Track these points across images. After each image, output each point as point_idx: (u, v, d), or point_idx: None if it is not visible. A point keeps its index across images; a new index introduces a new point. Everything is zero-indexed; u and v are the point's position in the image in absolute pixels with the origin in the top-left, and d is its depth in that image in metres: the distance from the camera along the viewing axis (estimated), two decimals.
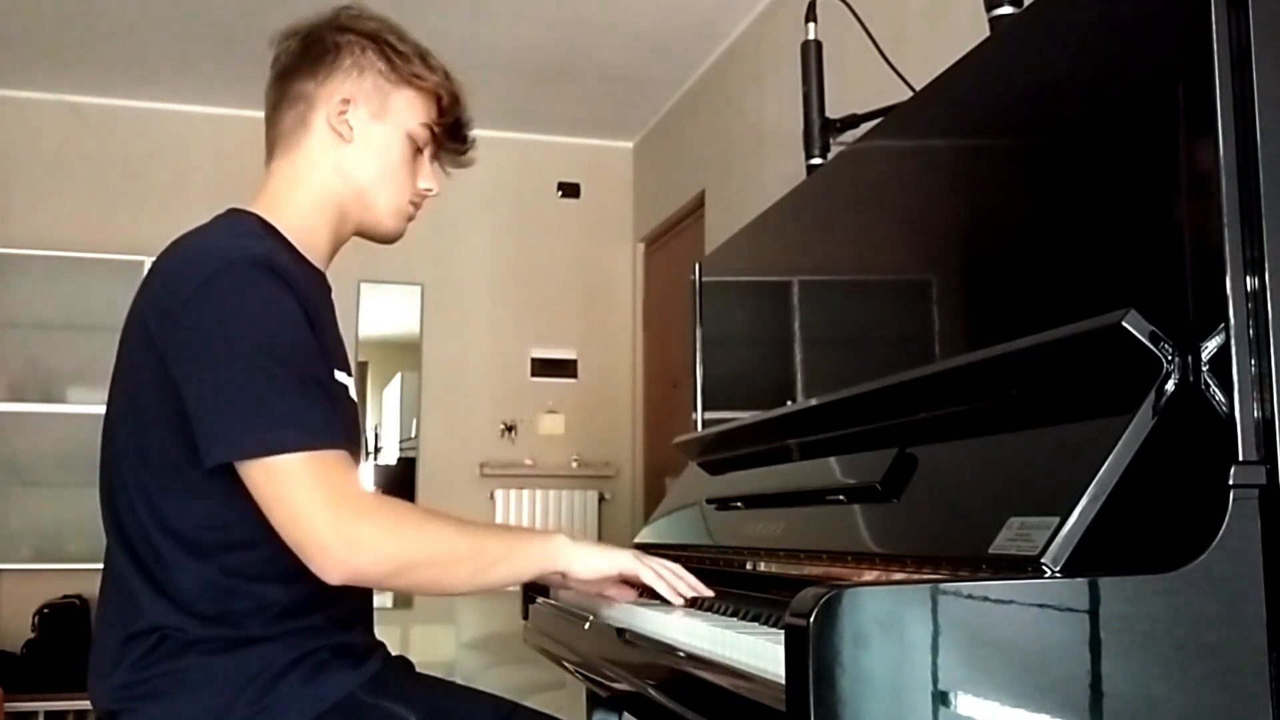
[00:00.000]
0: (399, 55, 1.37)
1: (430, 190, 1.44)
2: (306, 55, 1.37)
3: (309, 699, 1.21)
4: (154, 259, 1.29)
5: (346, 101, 1.35)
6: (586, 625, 1.56)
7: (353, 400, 1.37)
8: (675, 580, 1.37)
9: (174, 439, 1.19)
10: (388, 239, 1.44)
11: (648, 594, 1.40)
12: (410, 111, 1.38)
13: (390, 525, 1.18)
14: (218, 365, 1.16)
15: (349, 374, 1.36)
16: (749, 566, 1.48)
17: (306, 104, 1.36)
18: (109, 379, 1.30)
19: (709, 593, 1.39)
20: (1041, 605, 0.89)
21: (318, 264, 1.38)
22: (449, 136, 1.44)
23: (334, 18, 1.39)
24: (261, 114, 1.41)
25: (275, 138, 1.39)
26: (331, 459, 1.16)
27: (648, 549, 1.90)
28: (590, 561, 1.33)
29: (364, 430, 1.39)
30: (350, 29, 1.37)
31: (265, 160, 1.40)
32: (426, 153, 1.42)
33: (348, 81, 1.36)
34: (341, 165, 1.37)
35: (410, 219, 1.45)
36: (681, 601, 1.36)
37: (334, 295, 1.42)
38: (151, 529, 1.22)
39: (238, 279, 1.19)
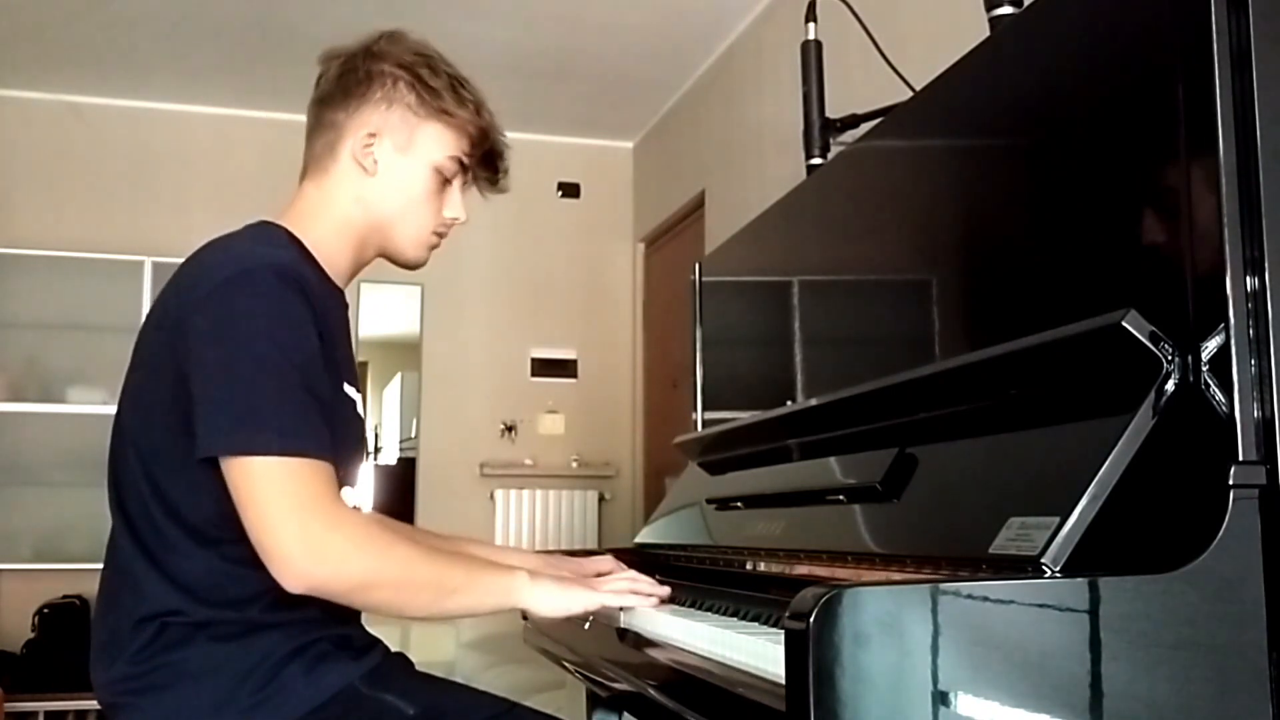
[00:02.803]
0: (429, 90, 1.38)
1: (457, 219, 1.45)
2: (341, 83, 1.39)
3: (310, 689, 1.22)
4: (180, 260, 1.32)
5: (372, 135, 1.37)
6: (586, 625, 1.56)
7: (359, 416, 1.39)
8: (637, 588, 1.40)
9: (182, 431, 1.20)
10: (409, 266, 1.46)
11: None
12: (438, 145, 1.39)
13: (358, 541, 1.17)
14: (221, 362, 1.18)
15: (358, 389, 1.38)
16: (749, 566, 1.48)
17: (336, 133, 1.38)
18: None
19: (665, 590, 1.43)
20: (1041, 605, 0.89)
21: (338, 282, 1.40)
22: (482, 166, 1.45)
23: (373, 44, 1.40)
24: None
25: (308, 160, 1.42)
26: (309, 467, 1.16)
27: (647, 549, 1.91)
28: (549, 601, 1.31)
29: (367, 440, 1.40)
30: (386, 58, 1.38)
31: (299, 176, 1.43)
32: (456, 182, 1.43)
33: (375, 114, 1.37)
34: (364, 197, 1.38)
35: (434, 247, 1.46)
36: (654, 603, 1.39)
37: None
38: (157, 515, 1.24)
39: (256, 283, 1.21)
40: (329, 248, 1.38)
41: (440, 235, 1.45)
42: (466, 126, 1.40)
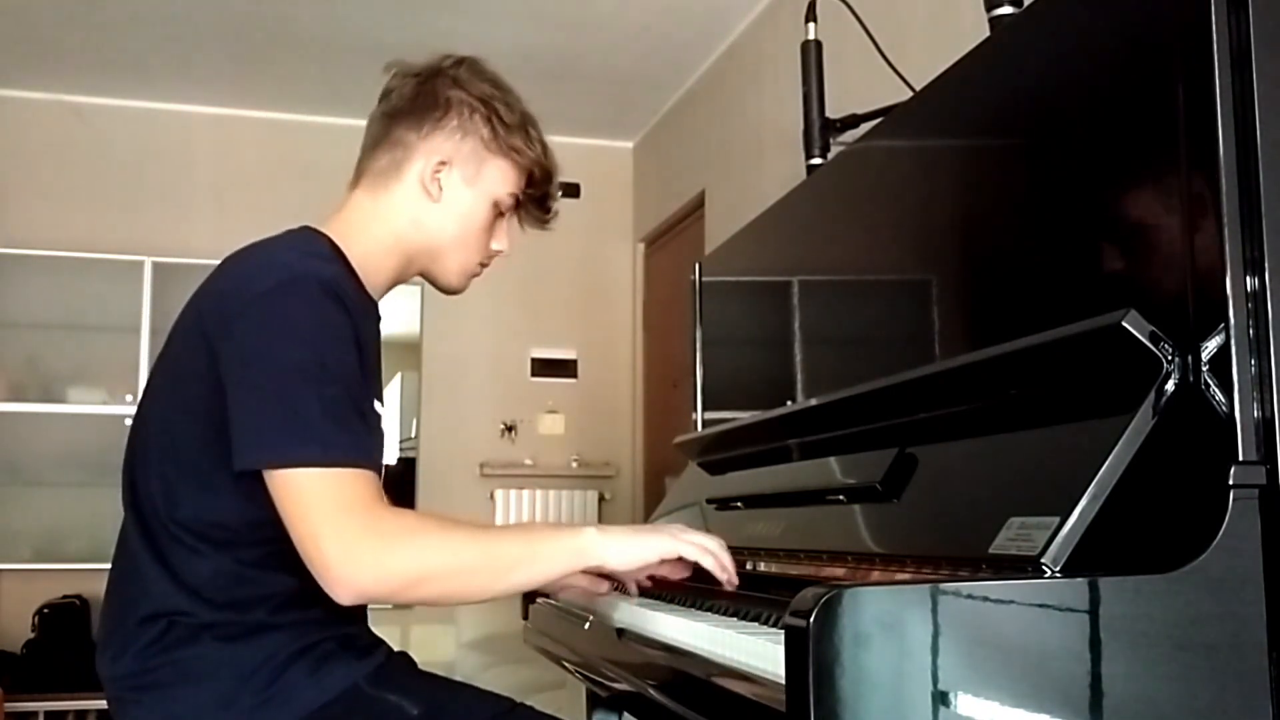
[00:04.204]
0: (504, 125, 1.39)
1: (501, 251, 1.46)
2: (416, 103, 1.38)
3: (314, 689, 1.22)
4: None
5: (443, 163, 1.37)
6: (586, 625, 1.56)
7: (383, 430, 1.38)
8: (722, 553, 1.30)
9: (208, 437, 1.20)
10: (449, 292, 1.47)
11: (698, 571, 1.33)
12: (501, 180, 1.41)
13: (395, 540, 1.15)
14: (264, 373, 1.18)
15: (383, 405, 1.38)
16: (749, 566, 1.48)
17: (405, 152, 1.38)
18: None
19: (735, 581, 1.32)
20: (1041, 605, 0.89)
21: (374, 294, 1.40)
22: (534, 204, 1.46)
23: (452, 70, 1.40)
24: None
25: (365, 170, 1.41)
26: (351, 477, 1.15)
27: None
28: (626, 552, 1.26)
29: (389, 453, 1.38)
30: (465, 87, 1.39)
31: (350, 183, 1.42)
32: (506, 216, 1.45)
33: (449, 142, 1.38)
34: (422, 220, 1.39)
35: (476, 276, 1.47)
36: (726, 579, 1.30)
37: None
38: (171, 517, 1.24)
39: (300, 295, 1.20)
40: (372, 261, 1.37)
41: (484, 265, 1.46)
42: (532, 167, 1.42)
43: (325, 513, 1.13)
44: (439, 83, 1.39)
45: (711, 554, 1.29)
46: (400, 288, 1.46)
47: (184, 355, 1.27)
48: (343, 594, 1.13)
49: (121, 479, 1.31)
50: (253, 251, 1.30)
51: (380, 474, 1.23)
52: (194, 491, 1.23)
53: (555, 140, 1.48)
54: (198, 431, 1.22)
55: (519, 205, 1.45)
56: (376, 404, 1.33)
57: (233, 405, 1.18)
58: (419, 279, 1.47)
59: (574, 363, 5.21)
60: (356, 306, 1.26)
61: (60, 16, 4.02)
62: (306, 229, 1.36)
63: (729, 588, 1.32)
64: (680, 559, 1.31)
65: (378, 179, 1.39)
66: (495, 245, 1.45)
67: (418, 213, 1.39)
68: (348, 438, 1.17)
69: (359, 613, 1.33)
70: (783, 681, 0.90)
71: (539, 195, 1.45)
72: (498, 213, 1.43)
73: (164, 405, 1.29)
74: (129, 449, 1.31)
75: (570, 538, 1.25)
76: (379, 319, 1.41)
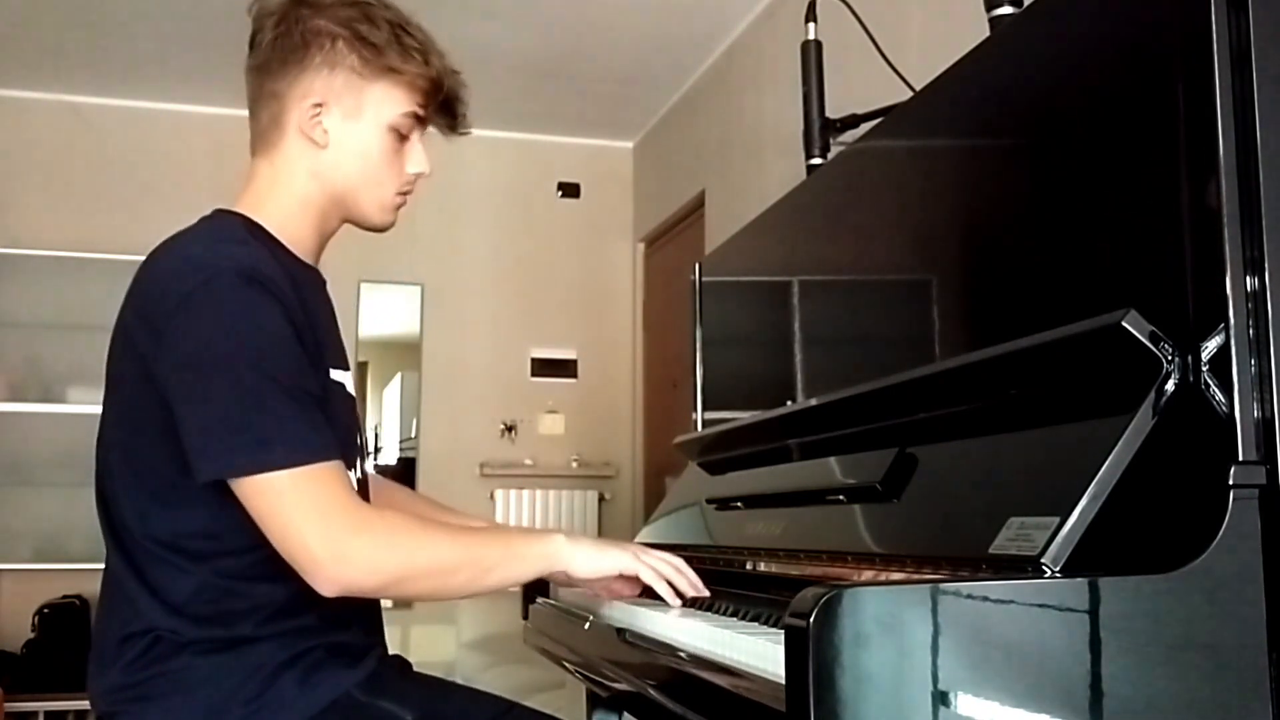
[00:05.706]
0: (370, 47, 1.28)
1: (422, 173, 1.37)
2: (277, 48, 1.29)
3: (304, 699, 1.20)
4: (142, 260, 1.27)
5: (318, 105, 1.29)
6: (586, 625, 1.56)
7: (350, 395, 1.35)
8: (676, 578, 1.36)
9: (163, 449, 1.18)
10: (379, 230, 1.39)
11: (650, 592, 1.38)
12: (389, 103, 1.31)
13: (383, 538, 1.17)
14: (204, 381, 1.15)
15: (346, 369, 1.34)
16: (749, 566, 1.48)
17: (279, 104, 1.30)
18: None
19: (705, 592, 1.38)
20: (1041, 605, 0.89)
21: (308, 259, 1.35)
22: (439, 115, 1.37)
23: None
24: None
25: (255, 133, 1.34)
26: (322, 472, 1.14)
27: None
28: (589, 561, 1.32)
29: (363, 427, 1.33)
30: (321, 14, 1.28)
31: (250, 151, 1.36)
32: (415, 136, 1.35)
33: (318, 80, 1.28)
34: (318, 170, 1.31)
35: (400, 207, 1.38)
36: (679, 603, 1.36)
37: (334, 295, 1.40)
38: (146, 535, 1.22)
39: (221, 292, 1.16)
40: (291, 227, 1.32)
41: (405, 194, 1.37)
42: (416, 81, 1.31)
43: (305, 512, 1.13)
44: (295, 17, 1.28)
45: (665, 579, 1.35)
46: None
47: (122, 371, 1.24)
48: (329, 588, 1.14)
49: (95, 502, 1.28)
50: (167, 251, 1.25)
51: (345, 455, 1.21)
52: (164, 507, 1.21)
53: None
54: (153, 445, 1.19)
55: (423, 120, 1.35)
56: (335, 372, 1.30)
57: (180, 417, 1.15)
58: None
59: (574, 363, 5.21)
60: (285, 284, 1.21)
61: (60, 16, 4.02)
62: (219, 213, 1.31)
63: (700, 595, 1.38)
64: (636, 578, 1.36)
65: (265, 140, 1.32)
66: (411, 169, 1.35)
67: (312, 165, 1.31)
68: (307, 432, 1.15)
69: (350, 620, 1.30)
70: (783, 681, 0.90)
71: (439, 104, 1.35)
72: (400, 136, 1.33)
73: (117, 424, 1.26)
74: (96, 471, 1.28)
75: (543, 543, 1.31)
76: (323, 284, 1.37)
